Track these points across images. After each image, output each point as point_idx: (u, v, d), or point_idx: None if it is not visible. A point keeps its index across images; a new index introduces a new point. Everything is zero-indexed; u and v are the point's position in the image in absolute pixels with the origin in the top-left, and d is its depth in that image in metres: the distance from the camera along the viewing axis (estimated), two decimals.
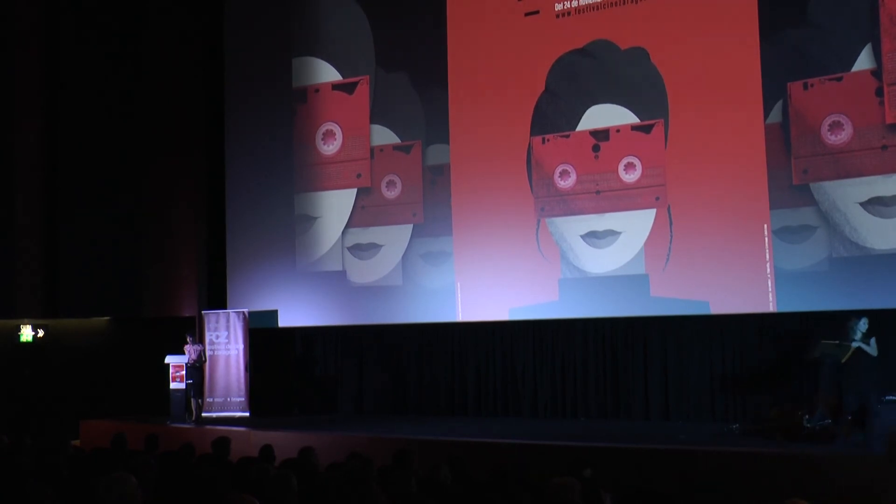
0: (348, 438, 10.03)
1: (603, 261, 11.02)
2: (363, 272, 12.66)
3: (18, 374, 13.15)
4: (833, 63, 9.89)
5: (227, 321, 12.73)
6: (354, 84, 12.91)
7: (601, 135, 11.11)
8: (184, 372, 12.43)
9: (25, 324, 13.36)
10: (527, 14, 11.65)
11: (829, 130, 9.86)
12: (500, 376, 12.00)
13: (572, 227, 11.25)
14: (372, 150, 12.70)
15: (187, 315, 13.87)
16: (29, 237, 13.66)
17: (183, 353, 12.41)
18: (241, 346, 12.65)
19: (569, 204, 11.29)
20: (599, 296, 11.03)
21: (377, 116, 12.69)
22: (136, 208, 14.36)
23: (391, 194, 12.53)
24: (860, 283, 9.64)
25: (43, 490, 4.13)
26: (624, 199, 10.95)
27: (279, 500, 4.42)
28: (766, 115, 10.18)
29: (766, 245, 10.09)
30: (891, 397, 9.02)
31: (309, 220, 13.14)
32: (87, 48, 14.11)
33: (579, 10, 11.32)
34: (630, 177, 10.91)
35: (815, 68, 9.96)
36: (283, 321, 13.17)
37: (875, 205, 9.61)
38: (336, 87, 13.06)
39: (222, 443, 7.25)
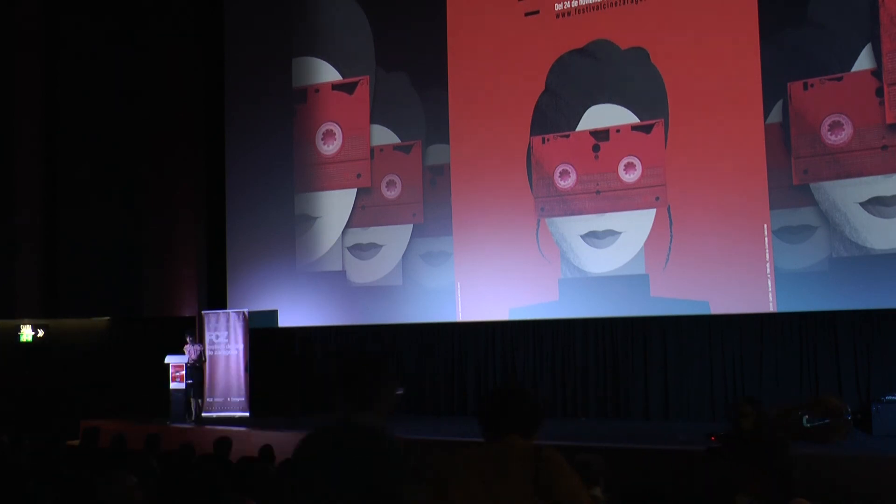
0: None
1: (603, 261, 11.02)
2: (363, 272, 12.66)
3: (18, 374, 13.15)
4: (833, 63, 9.88)
5: (227, 321, 12.73)
6: (354, 84, 12.90)
7: (601, 135, 11.11)
8: (184, 372, 12.41)
9: (25, 324, 13.36)
10: (527, 14, 11.64)
11: (829, 130, 9.86)
12: (500, 376, 11.98)
13: (572, 227, 11.25)
14: (372, 150, 12.69)
15: (187, 315, 13.86)
16: (29, 237, 13.66)
17: (183, 353, 12.41)
18: (241, 346, 12.65)
19: (569, 204, 11.29)
20: (599, 296, 11.02)
21: (377, 116, 12.69)
22: (135, 208, 14.36)
23: (391, 194, 12.53)
24: (860, 283, 9.63)
25: (43, 490, 4.13)
26: (624, 199, 10.94)
27: (279, 500, 4.42)
28: (766, 115, 10.17)
29: (766, 245, 10.08)
30: (891, 397, 9.04)
31: (309, 220, 13.14)
32: (87, 48, 14.11)
33: (579, 10, 11.32)
34: (630, 177, 10.90)
35: (815, 68, 9.95)
36: (283, 321, 13.16)
37: (875, 205, 9.61)
38: (336, 87, 13.06)
39: (224, 443, 7.26)
